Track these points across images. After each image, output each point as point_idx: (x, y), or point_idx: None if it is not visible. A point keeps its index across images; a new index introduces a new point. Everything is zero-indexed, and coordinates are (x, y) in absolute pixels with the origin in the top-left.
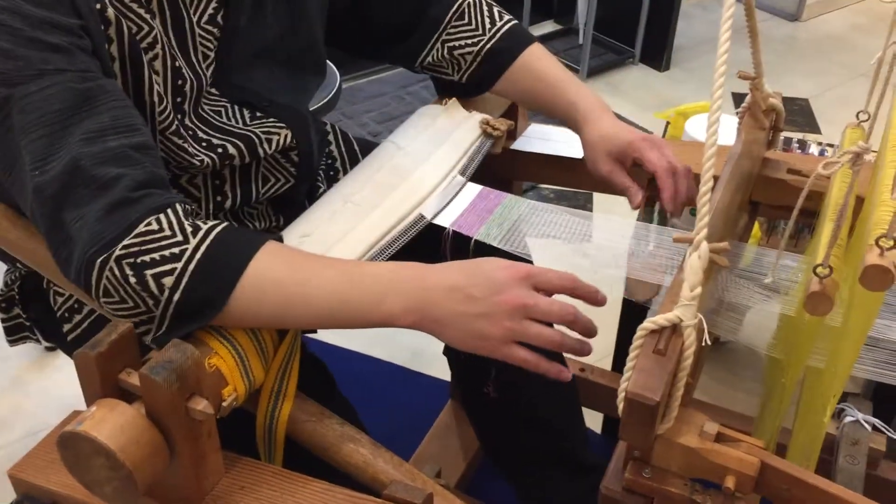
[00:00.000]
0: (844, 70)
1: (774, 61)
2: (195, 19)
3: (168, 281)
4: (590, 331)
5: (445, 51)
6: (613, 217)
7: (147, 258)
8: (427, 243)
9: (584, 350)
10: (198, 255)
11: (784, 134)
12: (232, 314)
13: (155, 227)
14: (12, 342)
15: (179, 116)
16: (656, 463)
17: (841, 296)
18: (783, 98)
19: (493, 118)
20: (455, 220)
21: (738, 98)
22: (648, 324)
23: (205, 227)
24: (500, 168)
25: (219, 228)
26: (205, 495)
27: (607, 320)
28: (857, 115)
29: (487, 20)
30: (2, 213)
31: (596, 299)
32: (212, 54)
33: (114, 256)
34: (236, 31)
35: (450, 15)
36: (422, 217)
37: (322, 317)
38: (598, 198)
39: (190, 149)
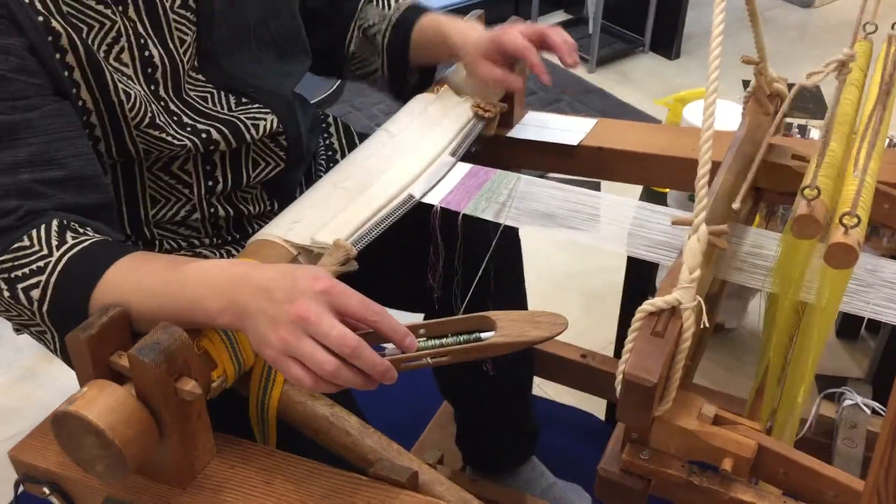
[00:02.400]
0: None
1: (787, 48)
2: (168, 4)
3: (35, 294)
4: (379, 374)
5: (361, 33)
6: (612, 196)
7: (19, 273)
8: (417, 223)
9: (367, 386)
10: (58, 268)
11: (787, 119)
12: None
13: (27, 242)
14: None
15: (163, 104)
16: (654, 445)
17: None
18: (794, 85)
19: (486, 101)
20: (444, 197)
21: (748, 85)
22: (647, 306)
23: (70, 241)
24: (497, 156)
25: (88, 242)
26: (196, 474)
27: (609, 308)
28: (864, 27)
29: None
30: None
31: (403, 344)
32: (188, 38)
33: None
34: (212, 15)
35: (361, 3)
36: (411, 197)
37: (150, 317)
38: (606, 187)
39: (169, 137)
